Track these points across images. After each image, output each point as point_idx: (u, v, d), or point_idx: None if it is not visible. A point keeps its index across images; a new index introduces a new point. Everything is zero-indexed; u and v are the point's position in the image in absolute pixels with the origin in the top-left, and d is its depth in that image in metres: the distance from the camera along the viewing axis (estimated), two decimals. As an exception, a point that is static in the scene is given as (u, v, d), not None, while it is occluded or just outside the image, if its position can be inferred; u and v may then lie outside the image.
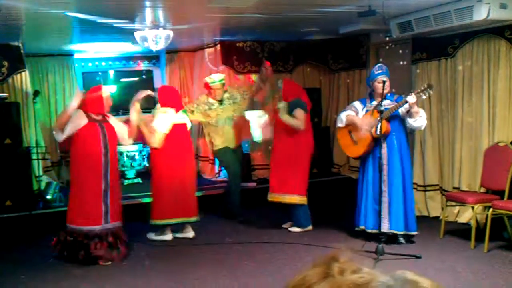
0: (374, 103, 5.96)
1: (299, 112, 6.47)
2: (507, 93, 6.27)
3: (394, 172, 5.89)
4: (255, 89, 7.43)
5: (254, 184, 8.58)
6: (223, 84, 7.28)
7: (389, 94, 5.95)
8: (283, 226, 6.79)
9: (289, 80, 7.43)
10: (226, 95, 7.28)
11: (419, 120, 5.78)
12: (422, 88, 5.68)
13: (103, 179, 5.59)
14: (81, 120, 5.57)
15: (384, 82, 5.73)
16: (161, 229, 6.46)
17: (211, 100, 7.22)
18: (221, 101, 7.23)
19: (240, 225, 7.07)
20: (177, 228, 6.56)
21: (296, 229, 6.65)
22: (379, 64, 6.07)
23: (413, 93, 5.66)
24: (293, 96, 6.62)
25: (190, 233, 6.53)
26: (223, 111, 7.22)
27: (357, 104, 6.20)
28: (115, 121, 5.87)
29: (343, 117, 6.13)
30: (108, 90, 5.87)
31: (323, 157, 9.16)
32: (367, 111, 6.02)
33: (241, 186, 7.56)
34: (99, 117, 5.68)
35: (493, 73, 6.39)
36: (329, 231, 6.59)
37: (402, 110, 5.81)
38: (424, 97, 5.82)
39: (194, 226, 6.56)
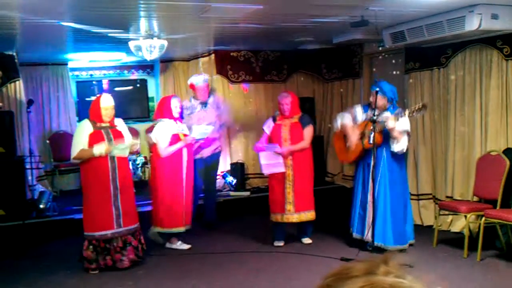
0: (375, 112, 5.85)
1: (312, 129, 6.61)
2: (499, 103, 6.32)
3: (380, 184, 5.89)
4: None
5: (248, 193, 8.58)
6: (208, 86, 7.25)
7: (392, 108, 5.91)
8: (278, 244, 6.50)
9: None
10: (211, 99, 7.26)
11: (396, 146, 5.75)
12: (417, 107, 5.57)
13: (111, 184, 5.60)
14: (87, 131, 5.58)
15: (376, 95, 5.72)
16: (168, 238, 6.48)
17: (193, 101, 7.19)
18: (204, 104, 7.22)
19: (232, 234, 7.06)
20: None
21: (310, 241, 6.57)
22: (376, 80, 6.00)
23: (406, 111, 5.61)
24: (298, 109, 6.59)
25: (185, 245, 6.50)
26: (205, 114, 7.14)
27: (358, 108, 6.17)
28: (124, 128, 5.84)
29: (338, 123, 6.17)
30: (109, 99, 5.71)
31: (316, 166, 9.10)
32: (365, 118, 6.03)
33: (216, 193, 7.65)
34: (106, 124, 5.69)
35: (485, 82, 6.44)
36: (322, 240, 6.60)
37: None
38: (417, 116, 5.81)
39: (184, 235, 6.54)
